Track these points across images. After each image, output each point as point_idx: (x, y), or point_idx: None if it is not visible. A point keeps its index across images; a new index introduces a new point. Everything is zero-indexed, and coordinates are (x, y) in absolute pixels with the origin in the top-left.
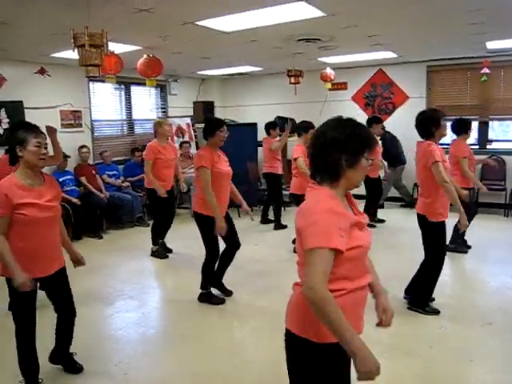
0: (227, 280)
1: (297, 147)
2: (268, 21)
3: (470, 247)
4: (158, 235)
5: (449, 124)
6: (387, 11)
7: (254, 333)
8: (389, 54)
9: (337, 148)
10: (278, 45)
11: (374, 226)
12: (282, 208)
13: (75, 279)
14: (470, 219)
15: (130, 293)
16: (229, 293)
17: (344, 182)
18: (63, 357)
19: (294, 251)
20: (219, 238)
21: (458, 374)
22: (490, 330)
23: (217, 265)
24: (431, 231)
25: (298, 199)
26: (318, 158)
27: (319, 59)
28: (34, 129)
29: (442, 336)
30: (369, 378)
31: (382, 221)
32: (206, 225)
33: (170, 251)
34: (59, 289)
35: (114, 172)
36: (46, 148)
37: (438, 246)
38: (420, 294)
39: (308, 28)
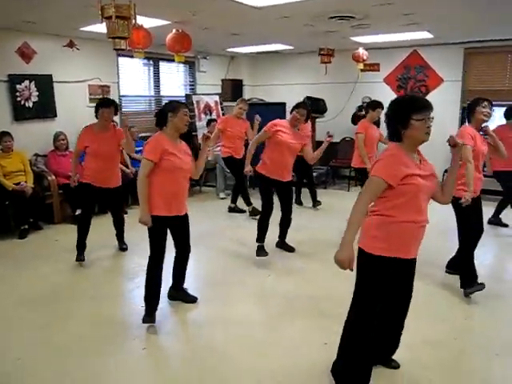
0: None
1: (361, 124)
2: None
3: (506, 225)
4: (247, 197)
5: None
6: None
7: (275, 316)
8: (424, 35)
9: (392, 117)
10: (309, 22)
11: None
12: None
13: (98, 254)
14: None
15: None
16: (290, 248)
17: (406, 140)
18: (179, 291)
19: None
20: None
21: (483, 367)
22: None
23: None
24: (460, 210)
25: (359, 173)
26: (387, 125)
27: (352, 38)
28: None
29: (468, 327)
30: (340, 266)
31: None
32: (262, 182)
33: (244, 211)
34: (183, 229)
35: (141, 148)
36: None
37: (462, 224)
38: (462, 273)
39: (341, 4)
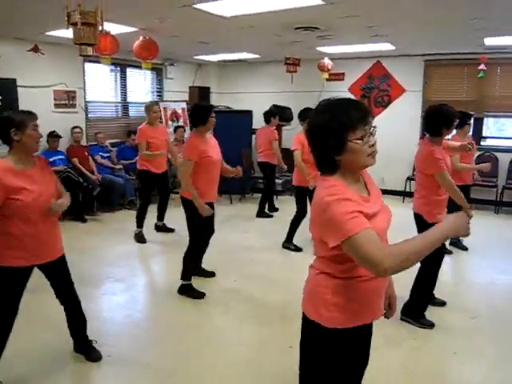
0: (216, 267)
1: (296, 138)
2: (267, 7)
3: (466, 249)
4: (142, 219)
5: None
6: (387, 2)
7: (241, 320)
8: (387, 46)
9: (320, 136)
10: (276, 32)
11: None
12: (275, 196)
13: None
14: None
15: (117, 275)
16: (210, 274)
17: (346, 170)
18: (82, 345)
19: None
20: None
21: (441, 366)
22: (477, 324)
23: None
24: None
25: (298, 191)
26: (312, 148)
27: (317, 49)
28: (29, 112)
29: (427, 330)
30: (466, 233)
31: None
32: (192, 210)
33: (172, 230)
34: (60, 276)
35: (108, 154)
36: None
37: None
38: (416, 302)
39: (307, 16)
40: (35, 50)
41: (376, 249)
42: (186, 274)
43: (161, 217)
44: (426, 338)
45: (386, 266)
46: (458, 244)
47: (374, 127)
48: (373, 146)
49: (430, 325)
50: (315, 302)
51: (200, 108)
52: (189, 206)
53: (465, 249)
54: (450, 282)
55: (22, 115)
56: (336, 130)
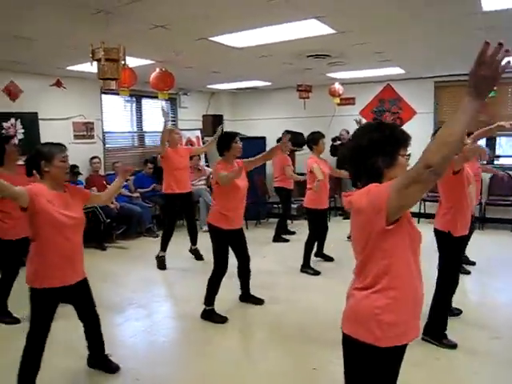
0: (237, 291)
1: (310, 160)
2: (280, 37)
3: (474, 263)
4: (167, 242)
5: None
6: (396, 29)
7: (264, 343)
8: (396, 70)
9: (373, 150)
10: (288, 60)
11: None
12: (290, 221)
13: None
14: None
15: (139, 302)
16: (260, 301)
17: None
18: (100, 359)
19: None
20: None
21: None
22: (497, 344)
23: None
24: (454, 248)
25: (311, 214)
26: (357, 161)
27: (328, 75)
28: (59, 145)
29: (449, 350)
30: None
31: None
32: (217, 236)
33: (202, 259)
34: (83, 298)
35: (125, 183)
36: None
37: (458, 264)
38: (434, 321)
39: (318, 44)
40: (58, 84)
41: (411, 167)
42: (207, 300)
43: (193, 241)
44: (448, 358)
45: (430, 162)
46: (466, 261)
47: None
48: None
49: (453, 345)
50: (360, 324)
51: (224, 135)
52: (213, 232)
53: (472, 263)
54: (472, 302)
55: (51, 147)
56: (393, 144)
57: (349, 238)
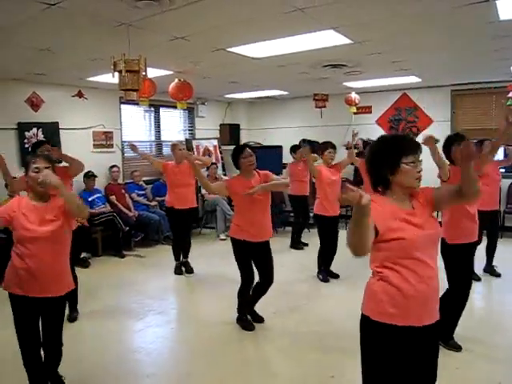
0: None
1: (318, 168)
2: (297, 48)
3: (499, 275)
4: (176, 253)
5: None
6: (412, 39)
7: (281, 351)
8: (413, 79)
9: (377, 161)
10: (304, 70)
11: None
12: (307, 229)
13: (104, 294)
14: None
15: (158, 309)
16: (259, 319)
17: (396, 188)
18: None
19: None
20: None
21: None
22: None
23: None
24: (450, 255)
25: (318, 220)
26: (369, 171)
27: (344, 84)
28: (35, 155)
29: (469, 359)
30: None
31: None
32: (234, 247)
33: (191, 271)
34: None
35: (143, 191)
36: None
37: (462, 272)
38: (445, 325)
39: (335, 54)
40: (80, 95)
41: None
42: (238, 309)
43: (184, 254)
44: (469, 367)
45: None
46: (491, 271)
47: (420, 160)
48: (419, 172)
49: (458, 347)
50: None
51: (233, 151)
52: (232, 243)
53: (497, 275)
54: (492, 310)
55: (30, 156)
56: (392, 153)
57: None
